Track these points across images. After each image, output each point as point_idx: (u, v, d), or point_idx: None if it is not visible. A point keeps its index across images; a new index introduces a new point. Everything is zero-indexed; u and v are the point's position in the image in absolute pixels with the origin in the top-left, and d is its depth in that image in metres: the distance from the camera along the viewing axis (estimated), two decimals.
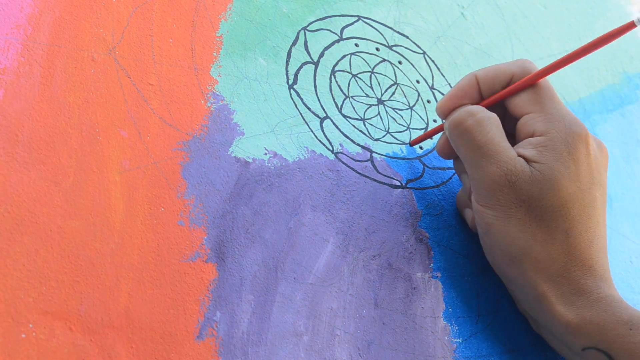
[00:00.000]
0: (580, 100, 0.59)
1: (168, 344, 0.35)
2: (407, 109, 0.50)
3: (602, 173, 0.42)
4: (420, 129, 0.49)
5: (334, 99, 0.47)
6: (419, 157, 0.48)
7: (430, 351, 0.41)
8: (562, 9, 0.63)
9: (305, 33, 0.48)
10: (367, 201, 0.44)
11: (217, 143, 0.41)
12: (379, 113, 0.48)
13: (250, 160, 0.42)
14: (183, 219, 0.38)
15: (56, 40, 0.39)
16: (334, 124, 0.46)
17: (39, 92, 0.37)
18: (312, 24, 0.49)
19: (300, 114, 0.45)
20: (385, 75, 0.50)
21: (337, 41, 0.49)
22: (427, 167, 0.48)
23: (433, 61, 0.53)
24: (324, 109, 0.46)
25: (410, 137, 0.48)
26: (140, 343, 0.34)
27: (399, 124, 0.49)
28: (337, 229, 0.42)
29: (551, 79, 0.58)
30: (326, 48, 0.48)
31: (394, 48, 0.52)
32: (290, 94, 0.45)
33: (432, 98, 0.51)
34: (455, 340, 0.42)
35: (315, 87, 0.47)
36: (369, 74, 0.49)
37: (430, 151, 0.49)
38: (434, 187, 0.47)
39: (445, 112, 0.44)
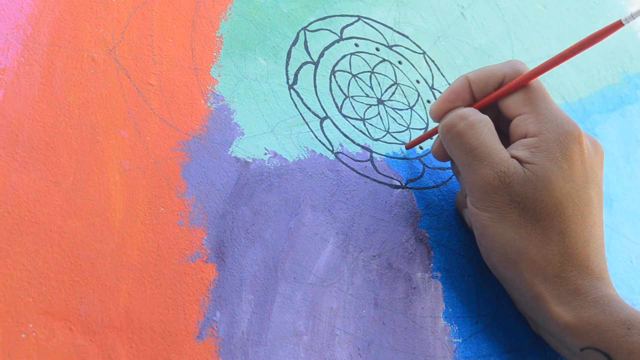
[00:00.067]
0: (580, 100, 0.59)
1: (168, 344, 0.35)
2: (407, 109, 0.50)
3: (597, 172, 0.42)
4: (420, 129, 0.49)
5: (334, 99, 0.47)
6: (419, 157, 0.48)
7: (430, 351, 0.41)
8: (562, 9, 0.63)
9: (305, 33, 0.48)
10: (367, 201, 0.44)
11: (217, 143, 0.41)
12: (379, 113, 0.48)
13: (250, 160, 0.42)
14: (183, 219, 0.38)
15: (56, 40, 0.39)
16: (334, 124, 0.46)
17: (39, 92, 0.37)
18: (312, 24, 0.49)
19: (300, 114, 0.45)
20: (385, 75, 0.50)
21: (337, 41, 0.49)
22: (427, 167, 0.48)
23: (433, 61, 0.53)
24: (324, 109, 0.46)
25: (410, 137, 0.48)
26: (140, 343, 0.34)
27: (399, 124, 0.49)
28: (337, 229, 0.42)
29: (551, 79, 0.58)
30: (326, 48, 0.48)
31: (394, 48, 0.52)
32: (290, 94, 0.45)
33: (432, 98, 0.51)
34: (455, 340, 0.42)
35: (315, 87, 0.47)
36: (369, 74, 0.49)
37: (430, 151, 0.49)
38: (434, 187, 0.47)
39: (438, 115, 0.44)
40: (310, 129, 0.45)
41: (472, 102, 0.44)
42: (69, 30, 0.40)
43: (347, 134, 0.46)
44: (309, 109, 0.45)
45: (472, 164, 0.41)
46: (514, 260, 0.41)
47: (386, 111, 0.49)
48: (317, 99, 0.46)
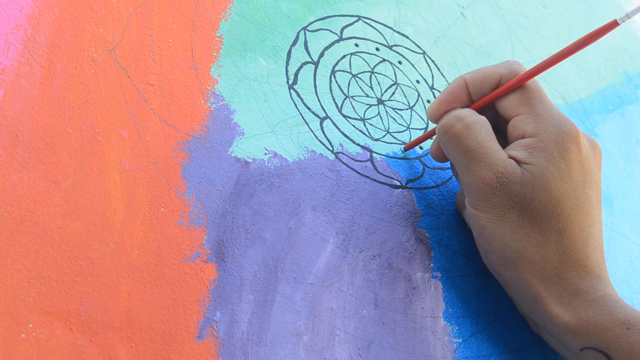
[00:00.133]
0: (580, 100, 0.59)
1: (168, 344, 0.35)
2: (407, 109, 0.50)
3: (596, 172, 0.42)
4: (420, 129, 0.49)
5: (334, 99, 0.47)
6: (419, 157, 0.48)
7: (430, 351, 0.41)
8: (562, 9, 0.63)
9: (305, 33, 0.48)
10: (367, 201, 0.44)
11: (217, 143, 0.41)
12: (379, 113, 0.48)
13: (250, 160, 0.42)
14: (183, 219, 0.38)
15: (56, 40, 0.39)
16: (334, 124, 0.46)
17: (39, 92, 0.37)
18: (312, 24, 0.49)
19: (300, 114, 0.45)
20: (385, 75, 0.50)
21: (337, 41, 0.49)
22: (427, 167, 0.48)
23: (433, 61, 0.53)
24: (324, 109, 0.46)
25: (410, 137, 0.48)
26: (140, 343, 0.34)
27: (399, 124, 0.49)
28: (337, 229, 0.42)
29: (551, 79, 0.58)
30: (326, 48, 0.48)
31: (394, 48, 0.52)
32: (290, 94, 0.45)
33: (432, 98, 0.51)
34: (455, 340, 0.42)
35: (315, 87, 0.47)
36: (369, 74, 0.49)
37: None
38: (434, 187, 0.47)
39: (436, 117, 0.44)
40: (310, 129, 0.45)
41: (470, 103, 0.44)
42: (69, 30, 0.40)
43: (347, 134, 0.46)
44: (309, 109, 0.45)
45: (469, 165, 0.41)
46: (513, 260, 0.41)
47: (386, 111, 0.49)
48: (317, 99, 0.46)
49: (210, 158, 0.40)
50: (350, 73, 0.48)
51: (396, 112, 0.49)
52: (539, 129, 0.41)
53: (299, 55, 0.47)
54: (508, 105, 0.43)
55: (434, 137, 0.46)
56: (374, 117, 0.48)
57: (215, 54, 0.44)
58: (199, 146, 0.40)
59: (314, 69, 0.47)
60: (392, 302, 0.42)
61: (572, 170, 0.41)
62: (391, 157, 0.47)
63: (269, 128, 0.43)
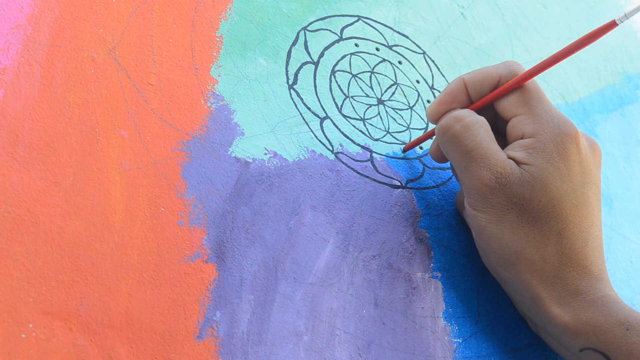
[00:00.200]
0: (580, 100, 0.59)
1: (168, 344, 0.35)
2: (407, 109, 0.50)
3: (595, 172, 0.42)
4: (420, 129, 0.49)
5: (334, 99, 0.47)
6: (419, 157, 0.48)
7: (430, 351, 0.41)
8: (562, 9, 0.63)
9: (305, 33, 0.48)
10: (367, 201, 0.44)
11: (217, 143, 0.41)
12: (379, 113, 0.48)
13: (250, 160, 0.42)
14: (183, 219, 0.38)
15: (56, 40, 0.39)
16: (334, 124, 0.46)
17: (39, 92, 0.37)
18: (312, 24, 0.49)
19: (300, 114, 0.45)
20: (385, 75, 0.50)
21: (337, 41, 0.49)
22: (427, 167, 0.48)
23: (433, 61, 0.53)
24: (324, 109, 0.46)
25: (410, 137, 0.48)
26: (140, 343, 0.34)
27: (399, 124, 0.49)
28: (337, 229, 0.42)
29: (551, 79, 0.58)
30: (326, 48, 0.48)
31: (394, 48, 0.52)
32: (290, 94, 0.45)
33: (432, 98, 0.51)
34: (455, 340, 0.42)
35: (315, 87, 0.47)
36: (369, 74, 0.49)
37: None
38: (434, 187, 0.47)
39: (435, 118, 0.44)
40: (310, 129, 0.45)
41: (469, 103, 0.44)
42: (69, 30, 0.40)
43: (347, 134, 0.46)
44: (309, 109, 0.45)
45: (468, 166, 0.41)
46: (512, 261, 0.41)
47: (386, 111, 0.49)
48: (317, 99, 0.46)
49: (210, 158, 0.40)
50: (350, 73, 0.48)
51: (396, 112, 0.49)
52: (538, 130, 0.41)
53: (299, 55, 0.47)
54: (507, 105, 0.43)
55: (434, 137, 0.46)
56: (374, 117, 0.48)
57: (215, 54, 0.44)
58: (199, 146, 0.40)
59: (314, 69, 0.47)
60: (392, 302, 0.42)
61: (572, 170, 0.40)
62: (391, 157, 0.47)
63: (269, 128, 0.43)
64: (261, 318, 0.38)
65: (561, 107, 0.57)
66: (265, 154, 0.42)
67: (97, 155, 0.37)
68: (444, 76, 0.53)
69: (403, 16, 0.54)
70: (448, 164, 0.49)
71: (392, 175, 0.46)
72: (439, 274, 0.44)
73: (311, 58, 0.47)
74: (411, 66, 0.52)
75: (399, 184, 0.46)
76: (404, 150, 0.47)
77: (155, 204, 0.38)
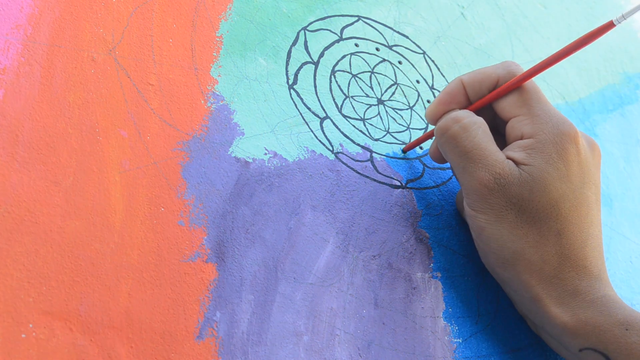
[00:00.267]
0: (580, 100, 0.59)
1: (168, 344, 0.35)
2: (407, 109, 0.50)
3: (594, 172, 0.42)
4: (420, 129, 0.49)
5: (334, 99, 0.47)
6: (419, 157, 0.48)
7: (430, 351, 0.41)
8: (562, 9, 0.63)
9: (305, 33, 0.48)
10: (367, 201, 0.44)
11: (217, 143, 0.41)
12: (379, 113, 0.48)
13: (250, 160, 0.42)
14: (183, 219, 0.38)
15: (56, 40, 0.39)
16: (334, 124, 0.46)
17: (39, 92, 0.37)
18: (312, 24, 0.49)
19: (300, 114, 0.45)
20: (385, 75, 0.50)
21: (337, 41, 0.49)
22: (427, 167, 0.48)
23: (433, 61, 0.53)
24: (324, 109, 0.46)
25: (410, 138, 0.48)
26: (140, 343, 0.34)
27: (399, 124, 0.49)
28: (337, 229, 0.42)
29: (551, 79, 0.58)
30: (326, 48, 0.48)
31: (394, 48, 0.52)
32: (290, 94, 0.45)
33: (432, 98, 0.51)
34: (455, 340, 0.42)
35: (315, 87, 0.47)
36: (369, 74, 0.49)
37: None
38: (434, 187, 0.47)
39: (434, 118, 0.44)
40: (310, 129, 0.45)
41: (468, 104, 0.44)
42: (69, 30, 0.40)
43: (347, 134, 0.46)
44: (309, 109, 0.45)
45: (467, 167, 0.41)
46: (511, 261, 0.41)
47: (386, 111, 0.49)
48: (317, 99, 0.46)
49: (210, 158, 0.40)
50: (350, 73, 0.48)
51: (396, 112, 0.49)
52: (537, 130, 0.41)
53: (299, 55, 0.47)
54: (506, 106, 0.43)
55: (433, 138, 0.46)
56: (374, 117, 0.48)
57: (215, 54, 0.44)
58: (199, 146, 0.40)
59: (314, 69, 0.47)
60: (392, 302, 0.42)
61: (571, 171, 0.40)
62: (391, 157, 0.47)
63: (269, 128, 0.43)
64: (261, 318, 0.38)
65: (561, 107, 0.57)
66: (265, 154, 0.42)
67: (97, 155, 0.37)
68: (444, 76, 0.53)
69: (403, 16, 0.54)
70: (448, 164, 0.49)
71: (392, 175, 0.46)
72: (439, 274, 0.44)
73: (311, 58, 0.47)
74: (411, 66, 0.52)
75: (399, 184, 0.46)
76: (404, 151, 0.47)
77: (155, 204, 0.38)
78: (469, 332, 0.43)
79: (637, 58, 0.65)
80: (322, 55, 0.48)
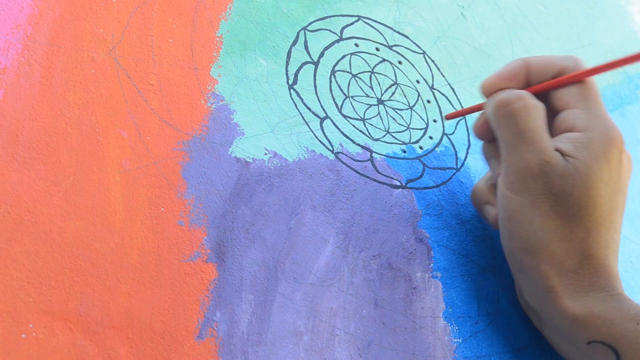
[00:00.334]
0: None
1: (168, 344, 0.35)
2: (407, 109, 0.50)
3: (626, 182, 0.43)
4: (420, 129, 0.49)
5: (334, 99, 0.47)
6: (418, 157, 0.48)
7: (430, 351, 0.41)
8: (562, 9, 0.63)
9: (305, 33, 0.48)
10: (367, 201, 0.44)
11: (217, 143, 0.41)
12: (379, 113, 0.48)
13: (250, 160, 0.42)
14: (183, 219, 0.38)
15: (56, 40, 0.39)
16: (334, 124, 0.46)
17: (39, 92, 0.37)
18: (312, 24, 0.49)
19: (300, 114, 0.45)
20: (385, 75, 0.50)
21: (337, 41, 0.49)
22: (427, 167, 0.48)
23: (433, 61, 0.53)
24: (324, 109, 0.46)
25: (410, 138, 0.48)
26: (140, 343, 0.34)
27: (399, 124, 0.49)
28: (337, 229, 0.42)
29: None
30: (326, 48, 0.48)
31: (394, 48, 0.52)
32: (290, 94, 0.45)
33: (432, 98, 0.51)
34: (455, 340, 0.42)
35: (315, 87, 0.47)
36: (369, 74, 0.49)
37: (430, 151, 0.49)
38: (434, 187, 0.47)
39: (489, 91, 0.43)
40: (310, 129, 0.45)
41: (525, 86, 0.43)
42: (69, 30, 0.40)
43: (347, 134, 0.46)
44: (309, 109, 0.45)
45: (517, 146, 0.41)
46: (535, 249, 0.41)
47: (386, 111, 0.49)
48: (317, 99, 0.46)
49: (210, 158, 0.40)
50: (350, 73, 0.48)
51: (396, 112, 0.49)
52: (589, 126, 0.41)
53: (299, 55, 0.47)
54: (565, 96, 0.42)
55: (480, 112, 0.45)
56: (374, 117, 0.48)
57: (215, 54, 0.44)
58: (199, 146, 0.40)
59: (314, 69, 0.47)
60: (392, 302, 0.42)
61: (611, 175, 0.41)
62: (391, 157, 0.47)
63: (269, 128, 0.43)
64: (261, 318, 0.38)
65: None
66: (265, 154, 0.42)
67: (97, 155, 0.37)
68: (443, 76, 0.53)
69: (403, 16, 0.54)
70: (448, 165, 0.49)
71: (392, 175, 0.46)
72: (439, 274, 0.44)
73: (311, 58, 0.47)
74: (411, 66, 0.52)
75: (399, 184, 0.46)
76: (447, 118, 0.47)
77: (155, 204, 0.38)
78: (469, 332, 0.43)
79: None
80: (322, 55, 0.48)
